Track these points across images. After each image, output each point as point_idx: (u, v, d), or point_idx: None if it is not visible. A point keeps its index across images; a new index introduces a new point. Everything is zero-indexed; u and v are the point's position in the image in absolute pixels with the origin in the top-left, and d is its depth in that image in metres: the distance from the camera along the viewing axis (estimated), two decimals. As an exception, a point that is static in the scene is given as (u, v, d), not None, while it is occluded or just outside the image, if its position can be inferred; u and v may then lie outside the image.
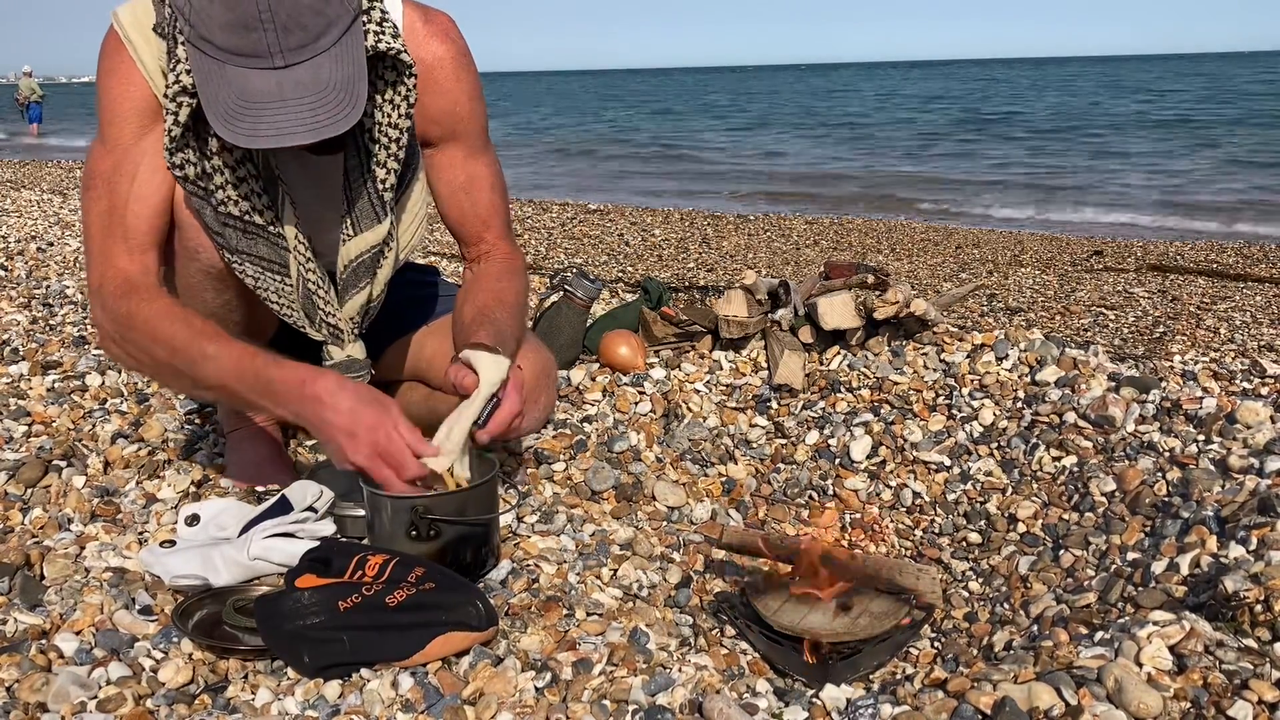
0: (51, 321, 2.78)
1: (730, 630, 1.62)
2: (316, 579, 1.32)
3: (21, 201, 6.39)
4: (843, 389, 2.27)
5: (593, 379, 2.31)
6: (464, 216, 1.74)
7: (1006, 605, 1.69)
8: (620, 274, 6.12)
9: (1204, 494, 1.65)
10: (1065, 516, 1.82)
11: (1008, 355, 2.23)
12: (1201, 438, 1.83)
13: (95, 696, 1.22)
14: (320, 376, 1.44)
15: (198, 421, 2.07)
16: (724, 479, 2.10)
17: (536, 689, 1.23)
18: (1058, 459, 1.93)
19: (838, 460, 2.13)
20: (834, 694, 1.25)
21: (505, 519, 1.69)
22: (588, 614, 1.45)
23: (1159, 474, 1.77)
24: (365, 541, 1.53)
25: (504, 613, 1.41)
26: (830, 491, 2.10)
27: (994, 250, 7.78)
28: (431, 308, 1.95)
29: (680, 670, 1.31)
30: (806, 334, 2.38)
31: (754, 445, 2.20)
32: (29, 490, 1.74)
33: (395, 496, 1.45)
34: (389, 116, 1.52)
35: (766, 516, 2.06)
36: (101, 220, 1.50)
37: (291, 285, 1.57)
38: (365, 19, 1.42)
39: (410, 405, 1.81)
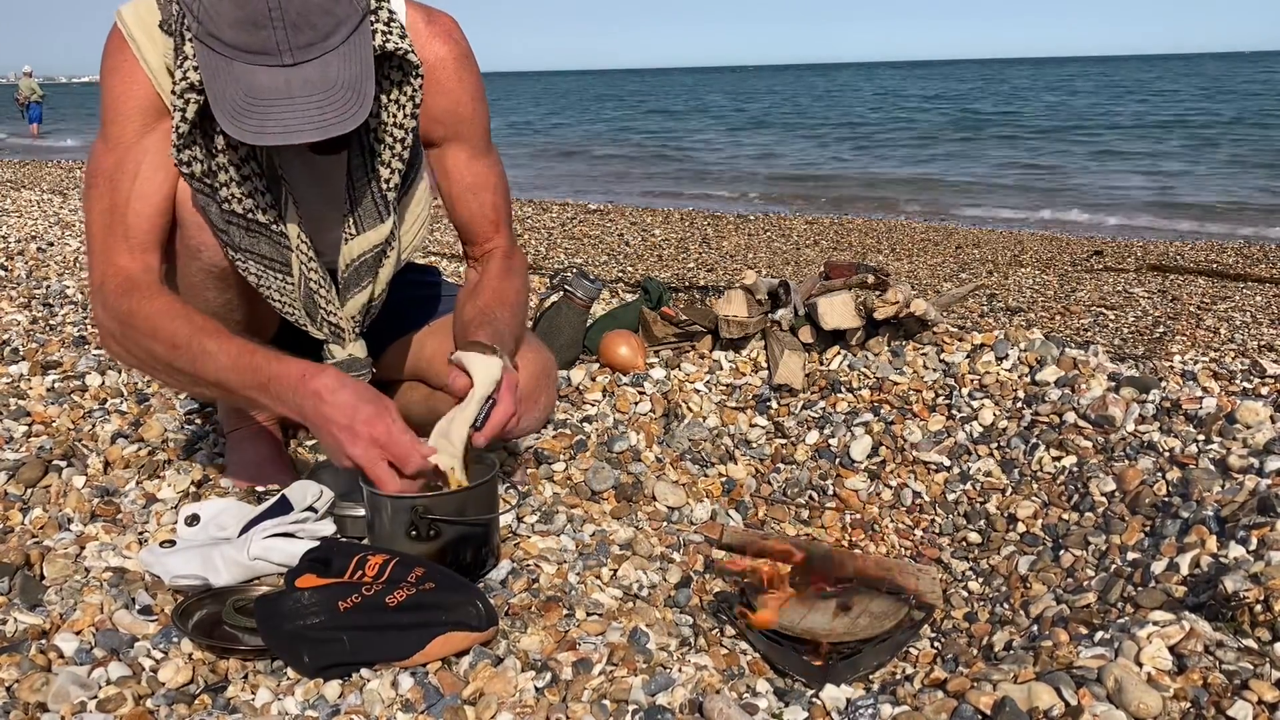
0: (51, 321, 2.78)
1: (730, 630, 1.62)
2: (316, 579, 1.32)
3: (21, 201, 6.39)
4: (843, 389, 2.27)
5: (593, 379, 2.31)
6: (470, 217, 1.75)
7: (1006, 605, 1.69)
8: (620, 274, 6.12)
9: (1204, 494, 1.65)
10: (1065, 516, 1.82)
11: (1008, 355, 2.23)
12: (1201, 438, 1.83)
13: (95, 696, 1.22)
14: (320, 372, 1.44)
15: (198, 421, 2.07)
16: (724, 479, 2.10)
17: (536, 689, 1.23)
18: (1058, 459, 1.93)
19: (838, 460, 2.13)
20: (834, 694, 1.25)
21: (505, 519, 1.70)
22: (588, 614, 1.45)
23: (1159, 474, 1.77)
24: (365, 541, 1.52)
25: (504, 613, 1.41)
26: (830, 491, 2.10)
27: (994, 250, 7.78)
28: (432, 308, 1.95)
29: (680, 670, 1.31)
30: (806, 334, 2.38)
31: (754, 445, 2.20)
32: (29, 490, 1.74)
33: (395, 496, 1.45)
34: (394, 117, 1.52)
35: (766, 516, 2.06)
36: (103, 218, 1.50)
37: (293, 284, 1.57)
38: (373, 19, 1.42)
39: (410, 405, 1.81)
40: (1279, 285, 6.07)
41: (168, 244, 1.55)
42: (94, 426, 2.00)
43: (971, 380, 2.21)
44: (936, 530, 1.97)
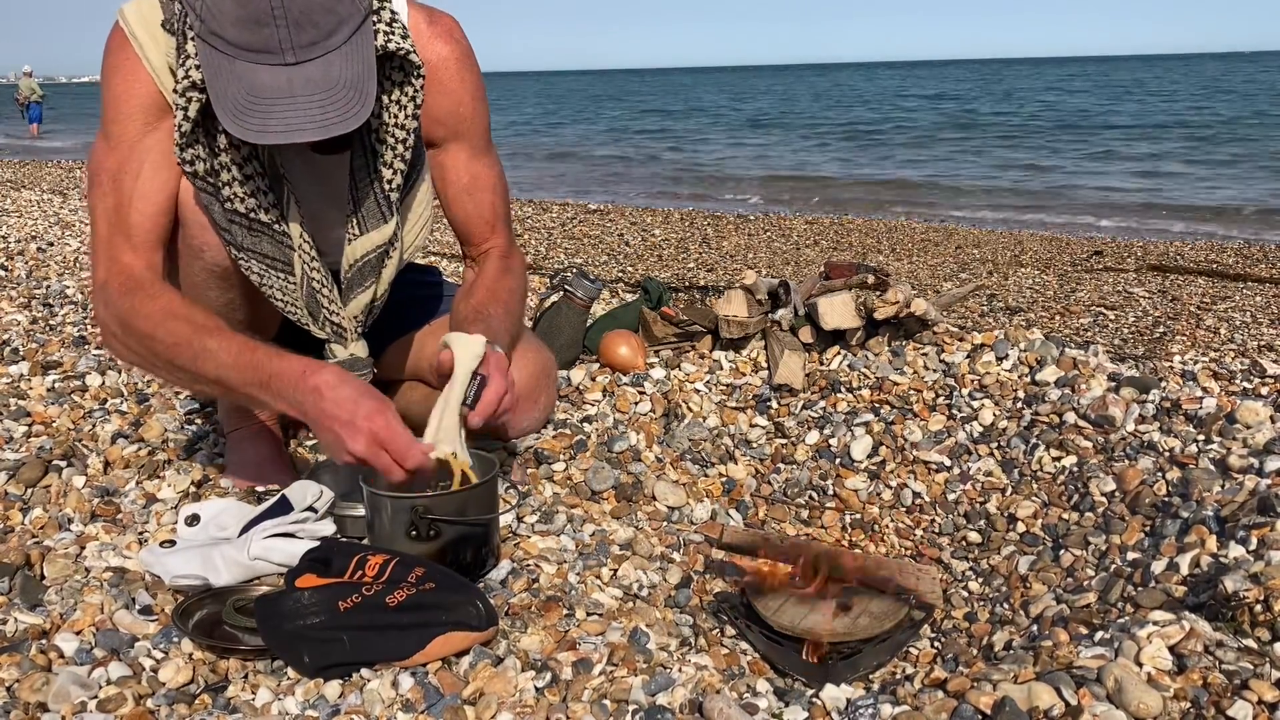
0: (51, 321, 2.78)
1: (730, 630, 1.62)
2: (316, 579, 1.32)
3: (21, 201, 6.39)
4: (843, 389, 2.27)
5: (593, 379, 2.31)
6: (467, 217, 1.75)
7: (1006, 605, 1.69)
8: (620, 274, 6.12)
9: (1204, 494, 1.65)
10: (1065, 516, 1.82)
11: (1008, 355, 2.23)
12: (1201, 438, 1.83)
13: (95, 696, 1.22)
14: (321, 368, 1.44)
15: (198, 421, 2.07)
16: (724, 479, 2.10)
17: (536, 689, 1.23)
18: (1058, 459, 1.93)
19: (838, 460, 2.13)
20: (834, 694, 1.25)
21: (505, 519, 1.70)
22: (588, 614, 1.45)
23: (1159, 474, 1.77)
24: (365, 541, 1.53)
25: (504, 613, 1.41)
26: (830, 491, 2.10)
27: (994, 250, 7.78)
28: (432, 308, 1.95)
29: (680, 670, 1.31)
30: (806, 334, 2.38)
31: (754, 445, 2.20)
32: (29, 490, 1.74)
33: (395, 496, 1.45)
34: (395, 117, 1.52)
35: (766, 516, 2.06)
36: (107, 218, 1.50)
37: (295, 283, 1.58)
38: (375, 18, 1.42)
39: (410, 405, 1.81)
40: (1279, 285, 6.07)
41: (170, 243, 1.56)
42: (94, 426, 2.00)
43: (972, 380, 2.21)
44: (936, 530, 1.97)
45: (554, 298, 2.45)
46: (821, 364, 2.36)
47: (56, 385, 2.20)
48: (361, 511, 1.55)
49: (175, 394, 2.18)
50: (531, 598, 1.47)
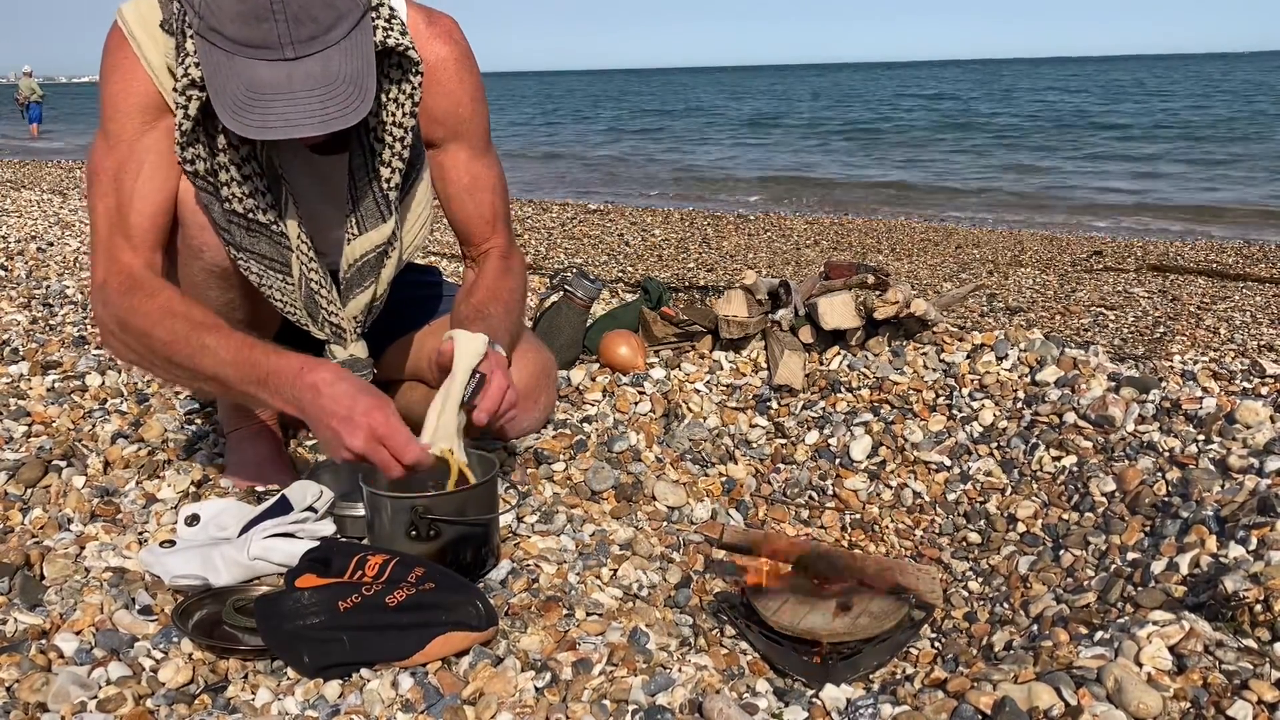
0: (51, 321, 2.78)
1: (730, 630, 1.62)
2: (316, 579, 1.32)
3: (21, 201, 6.39)
4: (843, 389, 2.27)
5: (593, 379, 2.31)
6: (467, 217, 1.75)
7: (1006, 605, 1.69)
8: (620, 274, 6.12)
9: (1204, 494, 1.65)
10: (1065, 516, 1.82)
11: (1008, 355, 2.23)
12: (1201, 438, 1.83)
13: (95, 696, 1.22)
14: (318, 365, 1.44)
15: (198, 421, 2.07)
16: (724, 479, 2.10)
17: (536, 689, 1.23)
18: (1058, 459, 1.93)
19: (838, 460, 2.13)
20: (834, 694, 1.25)
21: (505, 519, 1.70)
22: (588, 614, 1.45)
23: (1159, 474, 1.77)
24: (365, 541, 1.53)
25: (504, 613, 1.41)
26: (830, 491, 2.10)
27: (994, 250, 7.78)
28: (432, 308, 1.95)
29: (680, 670, 1.31)
30: (806, 334, 2.38)
31: (754, 445, 2.20)
32: (29, 490, 1.74)
33: (395, 496, 1.45)
34: (393, 115, 1.52)
35: (766, 516, 2.06)
36: (107, 217, 1.50)
37: (294, 284, 1.58)
38: (374, 14, 1.42)
39: (410, 405, 1.81)
40: (1279, 285, 6.07)
41: (170, 243, 1.56)
42: (94, 426, 2.00)
43: (972, 380, 2.21)
44: (936, 530, 1.97)
45: (554, 298, 2.45)
46: (821, 364, 2.36)
47: (56, 385, 2.20)
48: (361, 511, 1.55)
49: (175, 394, 2.18)
50: (531, 598, 1.47)
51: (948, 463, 2.06)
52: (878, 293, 2.37)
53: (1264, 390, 2.13)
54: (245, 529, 1.53)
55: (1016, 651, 1.40)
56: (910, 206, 11.88)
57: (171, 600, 1.44)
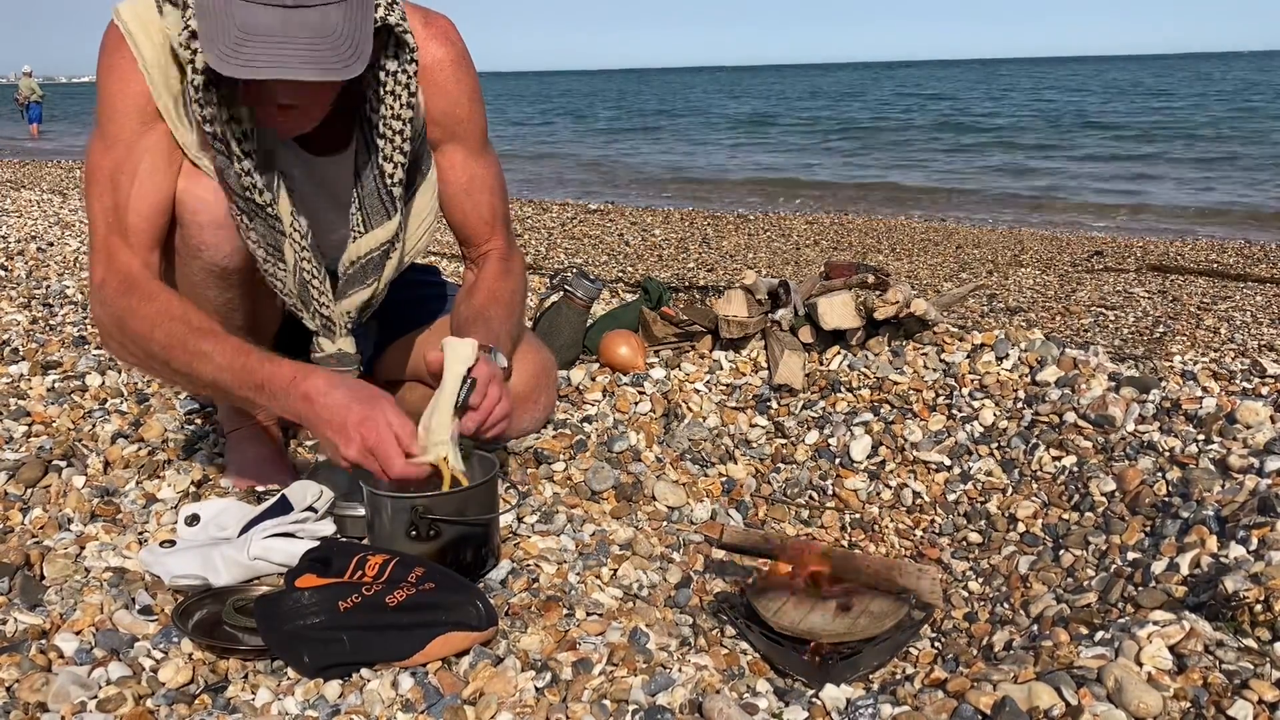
0: (51, 321, 2.78)
1: (730, 630, 1.62)
2: (316, 579, 1.32)
3: (21, 201, 6.39)
4: (843, 389, 2.27)
5: (593, 379, 2.31)
6: (465, 218, 1.75)
7: (1006, 605, 1.69)
8: (620, 274, 6.12)
9: (1204, 494, 1.65)
10: (1065, 516, 1.82)
11: (1008, 355, 2.23)
12: (1201, 437, 1.83)
13: (95, 696, 1.22)
14: (311, 374, 1.44)
15: (198, 421, 2.07)
16: (724, 479, 2.10)
17: (536, 689, 1.23)
18: (1058, 459, 1.93)
19: (838, 460, 2.13)
20: (834, 694, 1.25)
21: (505, 519, 1.69)
22: (588, 614, 1.45)
23: (1159, 474, 1.77)
24: (365, 541, 1.53)
25: (504, 613, 1.41)
26: (830, 491, 2.10)
27: (994, 250, 7.78)
28: (433, 308, 1.95)
29: (680, 670, 1.31)
30: (806, 334, 2.38)
31: (754, 445, 2.20)
32: (29, 490, 1.74)
33: (395, 496, 1.45)
34: (391, 108, 1.52)
35: (766, 516, 2.06)
36: (104, 218, 1.50)
37: (287, 271, 1.57)
38: None
39: (411, 405, 1.81)
40: (1279, 285, 6.07)
41: (168, 243, 1.55)
42: (94, 426, 2.00)
43: (972, 380, 2.21)
44: (936, 530, 1.97)
45: (554, 298, 2.45)
46: (821, 364, 2.36)
47: (56, 385, 2.20)
48: (361, 511, 1.55)
49: (175, 394, 2.18)
50: (531, 598, 1.47)
51: (948, 463, 2.06)
52: (878, 293, 2.37)
53: (1264, 390, 2.13)
54: (245, 529, 1.53)
55: (1016, 651, 1.40)
56: (910, 207, 11.88)
57: (171, 600, 1.44)
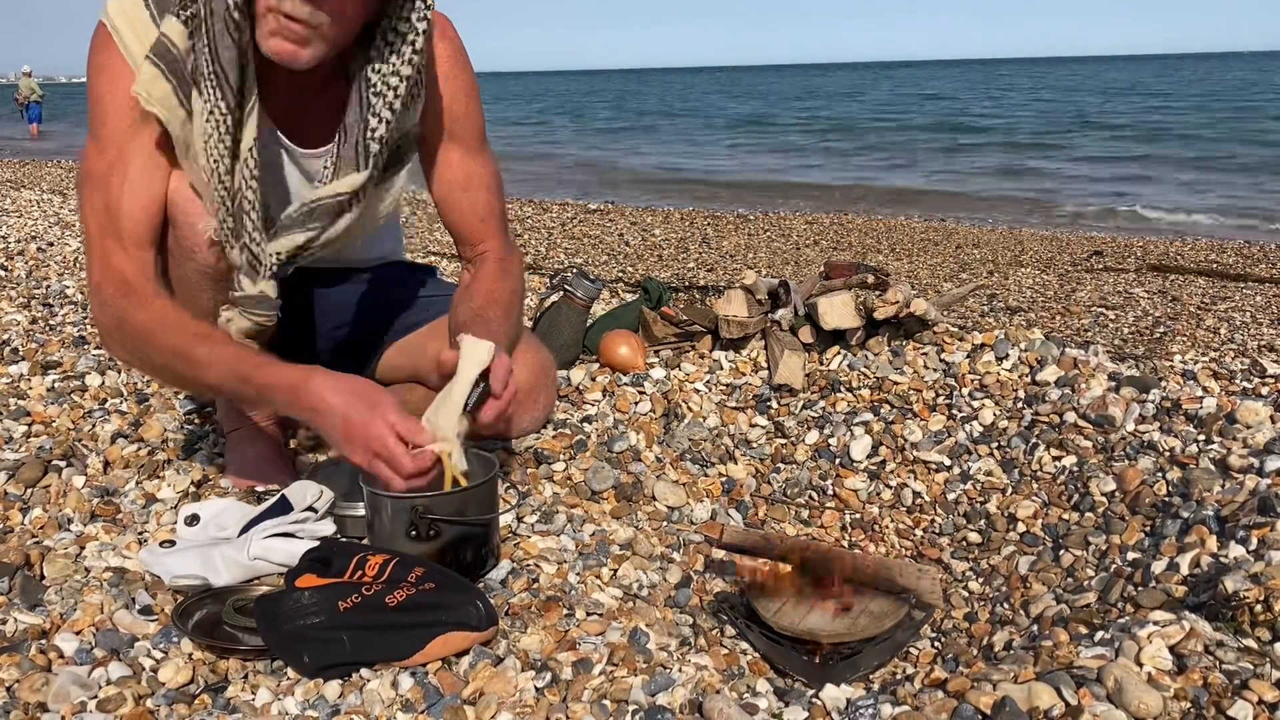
0: (51, 321, 2.78)
1: (730, 630, 1.62)
2: (316, 579, 1.32)
3: (21, 201, 6.39)
4: (843, 389, 2.27)
5: (593, 379, 2.31)
6: (461, 216, 1.74)
7: (1006, 605, 1.69)
8: (620, 274, 6.12)
9: (1204, 494, 1.65)
10: (1065, 516, 1.82)
11: (1008, 355, 2.23)
12: (1201, 437, 1.83)
13: (95, 696, 1.22)
14: (310, 381, 1.43)
15: (198, 421, 2.07)
16: (724, 479, 2.10)
17: (536, 689, 1.23)
18: (1058, 459, 1.93)
19: (838, 460, 2.13)
20: (834, 694, 1.25)
21: (505, 519, 1.69)
22: (588, 614, 1.45)
23: (1159, 474, 1.77)
24: (365, 541, 1.53)
25: (504, 613, 1.41)
26: (830, 491, 2.10)
27: (994, 250, 7.78)
28: (431, 308, 1.95)
29: (680, 670, 1.31)
30: (806, 334, 2.38)
31: (754, 445, 2.20)
32: (29, 490, 1.74)
33: (395, 496, 1.45)
34: (391, 64, 1.50)
35: (766, 516, 2.06)
36: (97, 219, 1.50)
37: (227, 192, 1.51)
38: None
39: (410, 407, 1.81)
40: (1279, 285, 6.07)
41: (163, 242, 1.55)
42: (94, 426, 2.00)
43: (972, 380, 2.21)
44: (936, 530, 1.97)
45: (554, 298, 2.45)
46: (821, 364, 2.36)
47: (56, 385, 2.20)
48: (361, 511, 1.55)
49: (175, 394, 2.18)
50: (531, 598, 1.47)
51: (948, 463, 2.06)
52: (878, 292, 2.37)
53: (1264, 390, 2.13)
54: (245, 529, 1.53)
55: (1016, 651, 1.40)
56: (910, 206, 11.87)
57: (171, 600, 1.44)
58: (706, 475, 2.10)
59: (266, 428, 1.88)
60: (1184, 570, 1.48)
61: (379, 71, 1.51)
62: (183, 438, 1.99)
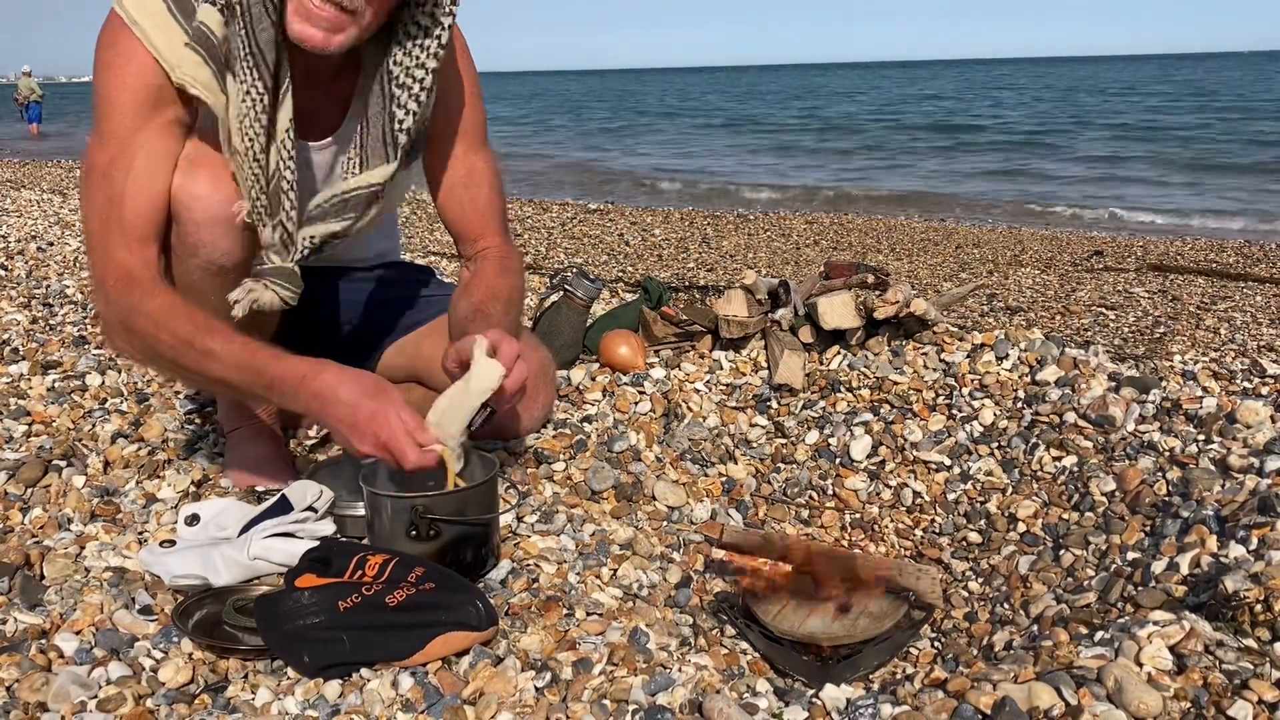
0: (51, 321, 2.78)
1: (730, 630, 1.62)
2: (316, 579, 1.32)
3: (21, 201, 6.39)
4: (843, 389, 2.27)
5: (593, 379, 2.31)
6: (462, 212, 1.74)
7: (1006, 605, 1.69)
8: (620, 274, 6.12)
9: (1204, 494, 1.65)
10: (1065, 516, 1.82)
11: (1008, 355, 2.23)
12: (1201, 437, 1.83)
13: (95, 696, 1.22)
14: (319, 372, 1.44)
15: (198, 421, 2.07)
16: (724, 479, 2.10)
17: (536, 689, 1.23)
18: (1058, 459, 1.93)
19: (838, 460, 2.13)
20: (834, 694, 1.25)
21: (505, 519, 1.69)
22: (588, 614, 1.45)
23: (1159, 474, 1.77)
24: (365, 541, 1.53)
25: (504, 613, 1.41)
26: (830, 491, 2.10)
27: (994, 250, 7.78)
28: (430, 308, 1.95)
29: (680, 670, 1.31)
30: (806, 334, 2.38)
31: (754, 445, 2.20)
32: (29, 490, 1.74)
33: (395, 496, 1.45)
34: (415, 56, 1.53)
35: (766, 516, 2.06)
36: (100, 213, 1.50)
37: (262, 171, 1.53)
38: None
39: (409, 406, 1.81)
40: (1279, 285, 6.07)
41: (165, 239, 1.55)
42: (94, 426, 2.00)
43: (972, 380, 2.21)
44: (936, 530, 1.97)
45: (554, 298, 2.45)
46: (821, 364, 2.36)
47: (56, 385, 2.20)
48: (361, 511, 1.55)
49: (175, 394, 2.18)
50: (531, 598, 1.47)
51: (948, 462, 2.06)
52: (878, 292, 2.37)
53: (1264, 390, 2.13)
54: (245, 529, 1.53)
55: (1016, 651, 1.40)
56: (910, 206, 11.87)
57: (171, 600, 1.44)
58: (706, 475, 2.10)
59: (267, 427, 1.88)
60: (1184, 570, 1.48)
61: (401, 64, 1.54)
62: (183, 437, 1.99)
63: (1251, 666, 1.16)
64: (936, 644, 1.68)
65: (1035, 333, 2.33)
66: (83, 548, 1.57)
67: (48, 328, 2.70)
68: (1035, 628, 1.56)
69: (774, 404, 2.28)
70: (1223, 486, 1.65)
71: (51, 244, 4.37)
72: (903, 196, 12.91)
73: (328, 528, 1.57)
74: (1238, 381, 2.18)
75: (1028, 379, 2.17)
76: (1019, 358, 2.23)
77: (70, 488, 1.76)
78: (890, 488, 2.06)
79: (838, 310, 2.32)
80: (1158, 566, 1.52)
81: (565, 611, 1.44)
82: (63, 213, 5.74)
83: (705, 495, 2.03)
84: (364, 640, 1.26)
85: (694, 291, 4.94)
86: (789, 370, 2.28)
